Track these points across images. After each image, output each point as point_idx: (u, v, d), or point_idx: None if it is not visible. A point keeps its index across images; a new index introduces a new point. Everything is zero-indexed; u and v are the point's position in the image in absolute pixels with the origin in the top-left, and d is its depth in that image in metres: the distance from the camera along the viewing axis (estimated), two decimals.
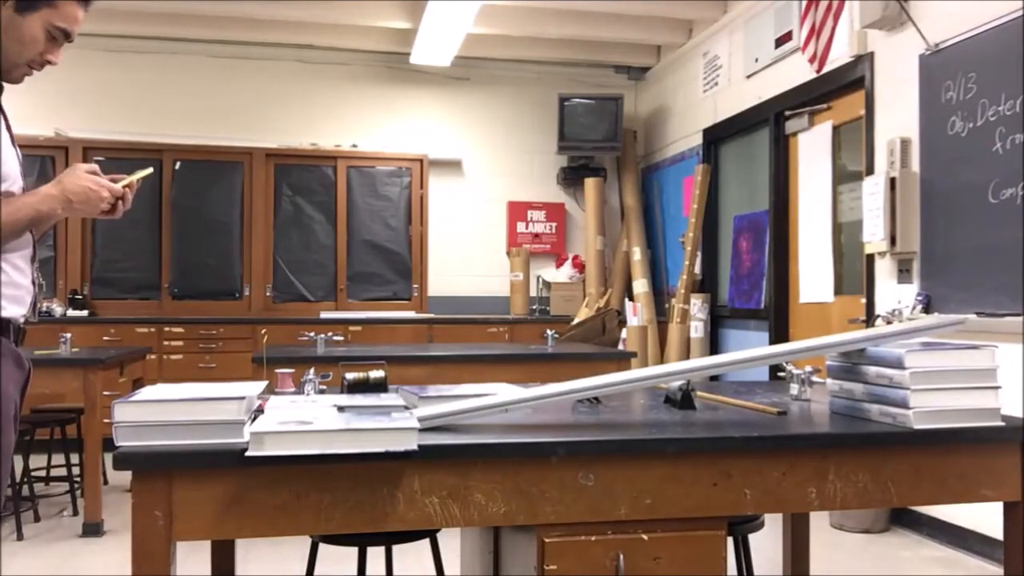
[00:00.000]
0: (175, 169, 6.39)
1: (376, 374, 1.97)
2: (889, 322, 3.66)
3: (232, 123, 6.69)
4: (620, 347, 5.93)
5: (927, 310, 3.89)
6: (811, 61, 4.79)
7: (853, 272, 4.73)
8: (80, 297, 6.08)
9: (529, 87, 7.21)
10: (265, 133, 6.68)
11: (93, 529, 3.94)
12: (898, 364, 1.73)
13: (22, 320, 1.71)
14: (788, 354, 2.04)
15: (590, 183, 6.93)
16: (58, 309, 5.95)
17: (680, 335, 6.02)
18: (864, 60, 4.45)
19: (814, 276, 5.04)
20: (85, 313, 6.04)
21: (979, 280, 3.67)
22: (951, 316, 2.15)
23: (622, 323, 6.18)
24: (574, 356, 4.12)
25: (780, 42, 5.22)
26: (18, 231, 1.67)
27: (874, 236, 4.17)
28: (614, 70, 7.41)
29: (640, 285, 6.71)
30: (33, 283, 1.74)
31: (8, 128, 1.76)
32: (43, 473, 4.92)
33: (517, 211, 7.26)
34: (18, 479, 4.21)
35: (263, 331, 5.89)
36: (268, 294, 6.57)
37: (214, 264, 6.47)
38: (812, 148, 5.09)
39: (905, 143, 4.10)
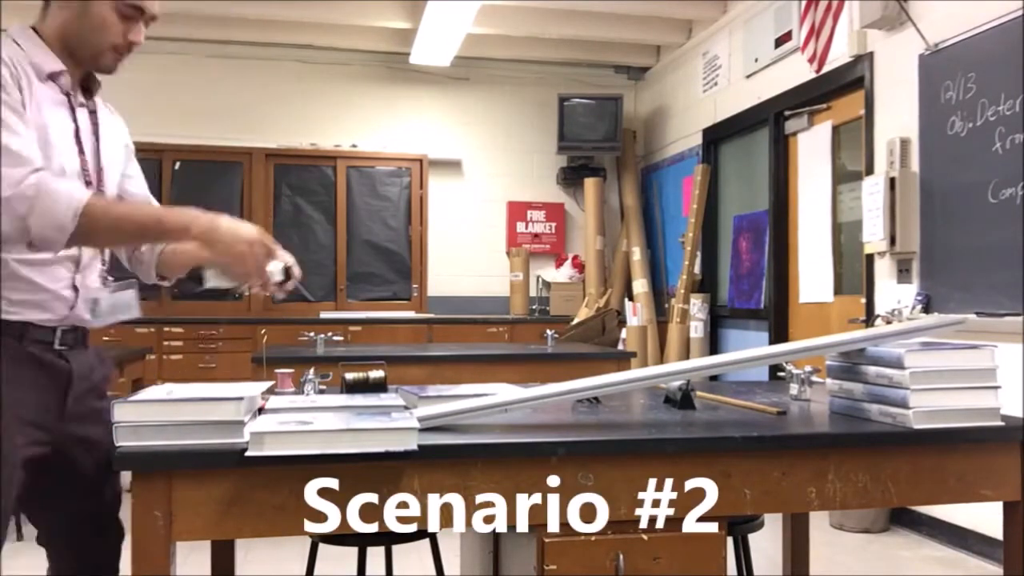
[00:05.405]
0: (175, 169, 6.39)
1: (376, 374, 1.97)
2: (889, 322, 3.66)
3: (232, 123, 6.69)
4: (620, 347, 5.93)
5: (927, 310, 3.89)
6: (811, 61, 4.78)
7: (853, 272, 4.73)
8: None
9: (529, 87, 7.21)
10: (265, 133, 6.68)
11: None
12: (898, 364, 1.73)
13: (57, 322, 1.63)
14: (788, 354, 2.04)
15: (590, 183, 6.93)
16: None
17: (680, 335, 6.02)
18: (864, 60, 4.45)
19: (814, 276, 5.04)
20: None
21: (979, 280, 3.67)
22: (951, 316, 2.15)
23: (622, 323, 6.18)
24: (574, 356, 4.12)
25: (780, 42, 5.22)
26: (125, 232, 1.55)
27: (874, 236, 4.17)
28: (614, 70, 7.41)
29: (640, 285, 6.71)
30: (74, 288, 1.66)
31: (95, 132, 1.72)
32: None
33: (517, 211, 7.25)
34: None
35: (263, 331, 5.88)
36: (268, 294, 6.57)
37: None
38: (812, 148, 5.09)
39: (905, 143, 4.10)
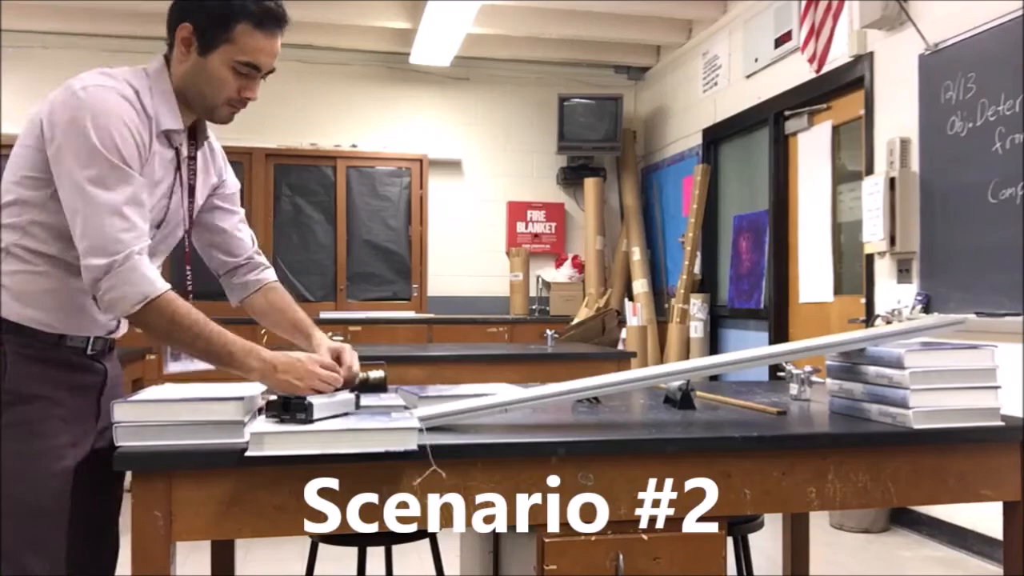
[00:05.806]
0: None
1: (376, 374, 1.97)
2: (889, 322, 3.66)
3: (232, 123, 6.66)
4: (620, 347, 5.93)
5: (927, 310, 3.89)
6: (810, 61, 4.78)
7: (853, 272, 4.73)
8: None
9: (529, 87, 7.21)
10: (265, 133, 6.66)
11: None
12: (898, 364, 1.73)
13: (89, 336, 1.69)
14: (788, 354, 2.04)
15: (590, 183, 6.93)
16: None
17: (680, 335, 6.02)
18: (864, 60, 4.45)
19: (814, 276, 5.05)
20: None
21: (979, 280, 3.67)
22: (951, 316, 2.15)
23: (622, 323, 6.18)
24: (574, 356, 4.11)
25: (780, 42, 5.22)
26: (199, 350, 1.60)
27: (874, 236, 4.18)
28: (614, 70, 7.41)
29: (640, 285, 6.71)
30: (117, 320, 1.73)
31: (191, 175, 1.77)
32: None
33: (517, 211, 7.25)
34: None
35: (263, 331, 5.85)
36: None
37: None
38: (812, 148, 5.09)
39: (905, 143, 4.10)
